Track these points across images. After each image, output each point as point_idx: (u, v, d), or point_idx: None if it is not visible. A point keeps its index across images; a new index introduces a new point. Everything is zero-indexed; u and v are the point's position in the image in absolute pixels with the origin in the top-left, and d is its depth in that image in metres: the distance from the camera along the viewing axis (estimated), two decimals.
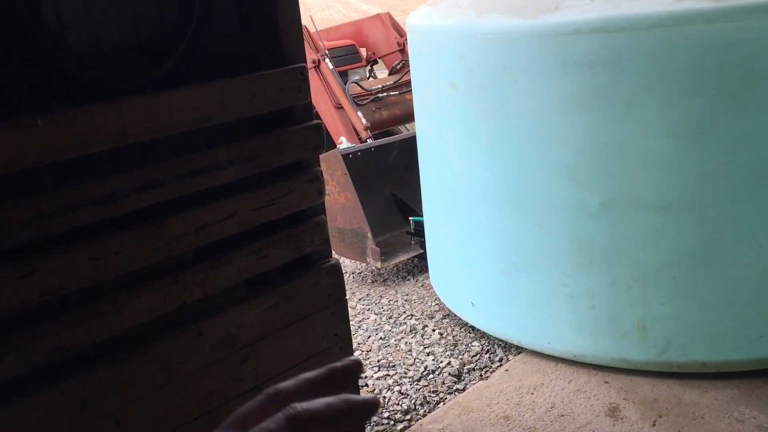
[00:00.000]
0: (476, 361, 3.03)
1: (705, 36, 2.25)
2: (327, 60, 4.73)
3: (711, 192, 2.39)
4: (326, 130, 4.77)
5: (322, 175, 2.03)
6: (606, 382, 2.69)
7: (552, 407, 2.59)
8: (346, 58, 5.30)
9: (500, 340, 3.10)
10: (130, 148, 1.64)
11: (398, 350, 3.20)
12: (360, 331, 3.42)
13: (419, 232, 3.76)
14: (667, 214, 2.46)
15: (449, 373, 2.94)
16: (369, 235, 3.77)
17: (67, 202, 1.53)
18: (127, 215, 1.64)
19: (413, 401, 2.79)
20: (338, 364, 0.47)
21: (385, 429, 2.65)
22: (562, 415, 2.53)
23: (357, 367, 0.48)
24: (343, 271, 4.11)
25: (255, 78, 1.81)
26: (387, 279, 4.01)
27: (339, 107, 4.74)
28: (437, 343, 3.20)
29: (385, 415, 2.72)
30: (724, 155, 2.36)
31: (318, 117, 4.88)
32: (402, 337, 3.31)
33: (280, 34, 1.87)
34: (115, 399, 1.65)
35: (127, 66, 1.69)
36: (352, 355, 2.24)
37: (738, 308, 2.52)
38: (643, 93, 2.36)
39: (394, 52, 5.23)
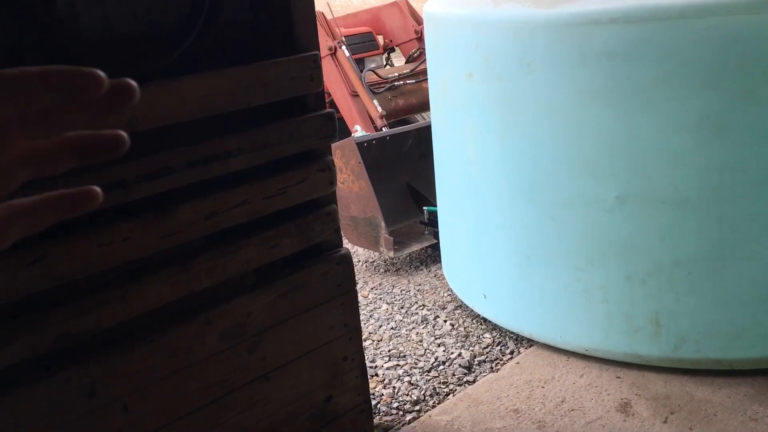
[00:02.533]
0: (487, 353, 3.01)
1: (727, 28, 2.20)
2: (343, 47, 4.71)
3: (729, 188, 2.35)
4: (341, 118, 4.78)
5: (333, 164, 2.02)
6: (618, 377, 2.67)
7: (562, 401, 2.57)
8: (363, 45, 5.27)
9: (512, 333, 3.08)
10: (141, 135, 1.63)
11: (409, 340, 3.19)
12: (371, 321, 3.41)
13: (433, 222, 3.74)
14: (684, 209, 2.42)
15: (460, 365, 2.93)
16: (382, 224, 3.76)
17: None
18: (137, 202, 1.64)
19: (423, 392, 2.78)
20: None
21: (394, 419, 2.64)
22: (573, 410, 2.51)
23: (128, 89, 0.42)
24: (356, 260, 4.13)
25: (267, 66, 1.79)
26: (400, 268, 4.00)
27: (355, 95, 4.71)
28: (448, 334, 3.19)
29: (395, 405, 2.72)
30: (743, 151, 2.31)
31: (333, 105, 4.89)
32: (413, 328, 3.30)
33: (293, 21, 1.85)
34: (122, 386, 1.65)
35: (139, 53, 1.68)
36: (362, 345, 2.23)
37: (754, 306, 2.48)
38: (662, 86, 2.32)
39: (411, 40, 5.19)
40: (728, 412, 2.42)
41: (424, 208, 3.89)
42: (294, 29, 1.85)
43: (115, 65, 1.58)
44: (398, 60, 5.74)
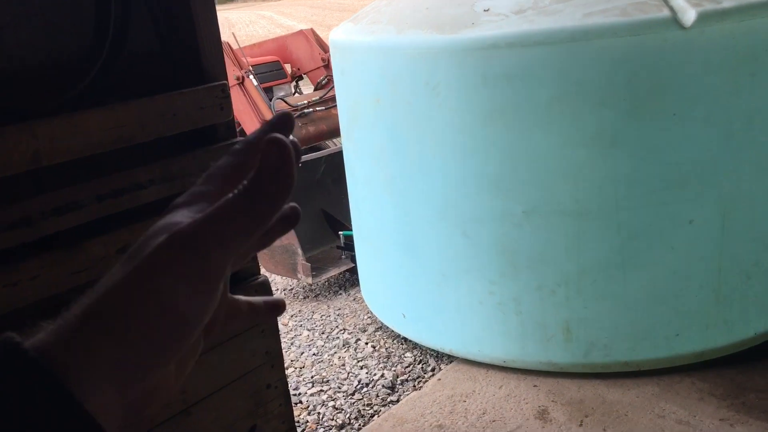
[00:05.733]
0: (409, 372, 3.05)
1: (613, 49, 2.36)
2: (251, 76, 4.71)
3: (625, 198, 2.50)
4: None
5: None
6: (535, 386, 2.76)
7: (484, 413, 2.63)
8: (271, 74, 5.28)
9: (432, 350, 3.14)
10: (47, 170, 1.59)
11: (332, 365, 3.19)
12: (293, 348, 3.40)
13: (349, 246, 3.78)
14: (585, 220, 2.56)
15: (383, 386, 2.96)
16: (299, 250, 3.76)
17: None
18: (45, 239, 1.59)
19: (348, 415, 2.79)
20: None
21: None
22: (494, 421, 2.58)
23: (288, 120, 0.46)
24: (274, 288, 4.10)
25: (175, 96, 1.79)
26: (319, 294, 4.00)
27: None
28: (370, 356, 3.21)
29: (320, 431, 2.71)
30: (635, 162, 2.47)
31: (244, 134, 4.87)
32: (335, 352, 3.31)
33: (199, 51, 1.85)
34: None
35: (41, 86, 1.65)
36: (284, 372, 2.23)
37: (654, 308, 2.64)
38: (558, 105, 2.45)
39: (318, 67, 5.24)
40: (638, 411, 2.55)
41: (340, 232, 3.92)
42: (201, 58, 1.86)
43: (16, 98, 1.55)
44: (306, 88, 5.78)
